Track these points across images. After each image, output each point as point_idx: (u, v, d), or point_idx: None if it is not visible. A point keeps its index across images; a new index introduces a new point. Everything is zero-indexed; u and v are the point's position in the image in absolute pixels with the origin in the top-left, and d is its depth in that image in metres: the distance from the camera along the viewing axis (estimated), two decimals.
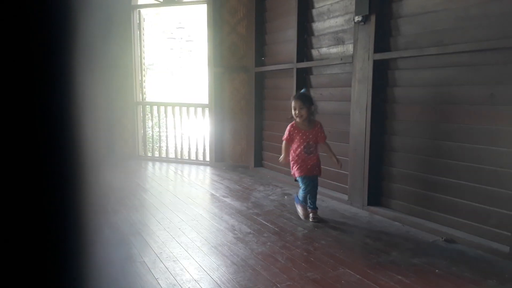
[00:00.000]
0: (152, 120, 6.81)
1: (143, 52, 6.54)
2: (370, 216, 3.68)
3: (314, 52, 4.66)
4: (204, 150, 6.30)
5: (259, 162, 5.78)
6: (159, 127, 6.82)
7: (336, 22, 4.33)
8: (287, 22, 5.05)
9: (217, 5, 5.84)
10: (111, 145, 6.70)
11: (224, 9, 5.85)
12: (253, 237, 3.18)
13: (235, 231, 3.31)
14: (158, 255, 2.87)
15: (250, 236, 3.20)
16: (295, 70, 4.79)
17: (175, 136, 6.53)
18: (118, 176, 5.44)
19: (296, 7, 4.77)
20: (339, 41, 4.30)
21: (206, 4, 5.94)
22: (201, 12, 6.26)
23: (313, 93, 4.67)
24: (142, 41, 6.48)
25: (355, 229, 3.38)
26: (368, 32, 3.76)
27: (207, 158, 6.26)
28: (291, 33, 4.90)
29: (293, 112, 3.55)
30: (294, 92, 4.79)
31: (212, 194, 4.59)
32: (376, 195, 3.81)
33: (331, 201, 4.19)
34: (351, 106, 3.98)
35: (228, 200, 4.28)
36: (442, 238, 3.09)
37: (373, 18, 3.71)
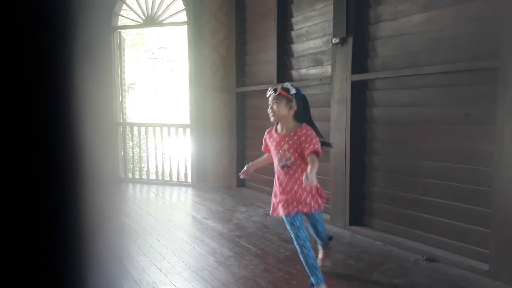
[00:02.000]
0: (132, 141, 6.74)
1: (124, 73, 6.51)
2: (352, 236, 3.68)
3: (294, 73, 4.71)
4: (186, 170, 6.25)
5: (241, 182, 5.76)
6: (140, 148, 6.76)
7: (315, 43, 4.40)
8: (267, 43, 5.11)
9: (198, 26, 5.88)
10: (93, 167, 6.59)
11: (205, 30, 5.89)
12: (234, 260, 3.14)
13: (216, 255, 3.26)
14: (138, 282, 2.80)
15: (231, 259, 3.16)
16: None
17: (156, 157, 6.47)
18: (97, 198, 5.35)
19: (275, 28, 4.83)
20: (318, 62, 4.36)
21: (187, 25, 5.97)
22: (182, 32, 6.29)
23: None
24: (122, 62, 6.45)
25: (337, 249, 3.37)
26: (346, 53, 3.83)
27: (189, 179, 6.21)
28: (271, 54, 4.95)
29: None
30: None
31: (193, 216, 4.53)
32: (358, 214, 3.82)
33: None
34: (330, 126, 4.01)
35: (209, 222, 4.23)
36: (423, 257, 3.10)
37: (350, 40, 3.78)
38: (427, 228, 3.23)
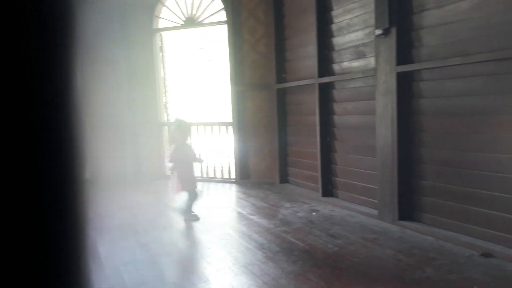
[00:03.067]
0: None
1: (166, 74, 6.68)
2: (402, 231, 3.61)
3: (336, 67, 4.66)
4: (229, 167, 6.33)
5: (284, 178, 5.77)
6: None
7: (356, 36, 4.33)
8: (306, 39, 5.08)
9: (237, 25, 5.93)
10: (138, 166, 6.82)
11: (243, 28, 5.93)
12: (283, 255, 3.16)
13: (265, 250, 3.30)
14: (189, 276, 2.88)
15: (279, 254, 3.18)
16: (317, 85, 4.80)
17: (200, 155, 6.59)
18: (146, 196, 5.52)
19: (315, 23, 4.80)
20: (360, 55, 4.29)
21: (226, 25, 6.03)
22: (221, 32, 6.36)
23: (337, 107, 4.67)
24: (164, 63, 6.62)
25: (386, 245, 3.32)
26: (390, 44, 3.75)
27: (232, 176, 6.29)
28: (312, 49, 4.92)
29: None
30: (317, 107, 4.80)
31: (239, 212, 4.59)
32: (407, 209, 3.74)
33: (360, 216, 4.13)
34: (376, 119, 3.95)
35: (255, 218, 4.27)
36: (478, 252, 3.00)
37: (393, 31, 3.70)
38: (481, 222, 3.12)
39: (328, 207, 4.51)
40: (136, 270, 3.03)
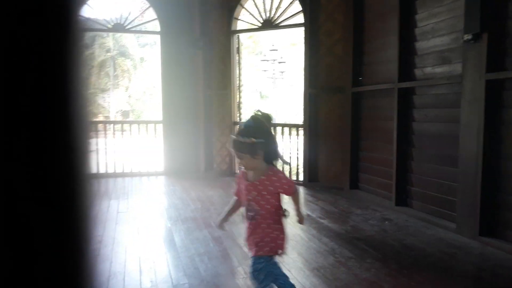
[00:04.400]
0: None
1: (241, 75, 6.84)
2: (483, 248, 3.41)
3: (417, 72, 4.50)
4: (298, 170, 6.34)
5: (354, 184, 5.67)
6: None
7: (442, 41, 4.15)
8: (387, 42, 4.95)
9: (314, 27, 5.92)
10: (210, 162, 7.05)
11: (320, 31, 5.91)
12: (355, 262, 3.11)
13: (336, 255, 3.27)
14: None
15: (352, 260, 3.14)
16: (396, 90, 4.67)
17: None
18: (217, 191, 5.69)
19: (397, 26, 4.66)
20: (445, 61, 4.11)
21: (303, 27, 6.05)
22: (295, 34, 6.40)
23: (417, 114, 4.50)
24: (240, 64, 6.78)
25: (466, 261, 3.15)
26: (480, 50, 3.55)
27: (300, 178, 6.29)
28: (392, 53, 4.79)
29: None
30: (395, 113, 4.66)
31: (308, 215, 4.59)
32: (490, 225, 3.52)
33: (437, 228, 3.96)
34: (460, 128, 3.76)
35: (325, 222, 4.25)
36: None
37: (485, 36, 3.50)
38: None
39: (401, 217, 4.37)
40: (211, 262, 3.14)
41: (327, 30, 5.88)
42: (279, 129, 6.57)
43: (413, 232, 3.84)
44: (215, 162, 6.98)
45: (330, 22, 5.86)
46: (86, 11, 6.58)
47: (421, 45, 4.45)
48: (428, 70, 4.34)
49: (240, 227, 4.08)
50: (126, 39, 25.34)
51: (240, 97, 6.83)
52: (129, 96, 29.68)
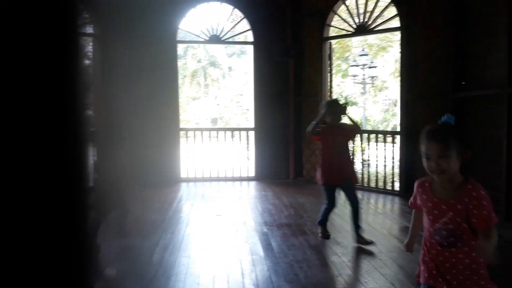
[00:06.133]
0: None
1: (332, 81, 6.78)
2: None
3: None
4: (393, 178, 6.11)
5: None
6: None
7: None
8: (493, 44, 4.60)
9: (411, 31, 5.69)
10: (299, 169, 7.08)
11: (418, 35, 5.66)
12: None
13: None
14: (364, 284, 2.88)
15: None
16: (506, 96, 4.31)
17: (362, 164, 6.53)
18: (308, 198, 5.69)
19: (506, 28, 4.32)
20: None
21: (400, 31, 5.85)
22: (385, 38, 6.19)
23: None
24: (331, 71, 6.73)
25: None
26: None
27: (396, 188, 6.05)
28: (500, 56, 4.43)
29: (424, 162, 1.75)
30: (505, 120, 4.31)
31: (407, 227, 4.40)
32: None
33: None
34: None
35: None
36: None
37: None
38: None
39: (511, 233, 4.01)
40: (310, 270, 3.15)
41: (425, 34, 5.61)
42: (372, 136, 6.39)
43: None
44: (304, 169, 6.99)
45: (429, 26, 5.59)
46: (185, 24, 7.01)
47: None
48: None
49: (336, 237, 4.04)
50: (215, 49, 26.46)
51: None
52: (218, 104, 30.88)
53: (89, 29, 9.00)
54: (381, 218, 4.90)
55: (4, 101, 0.43)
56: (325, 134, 3.85)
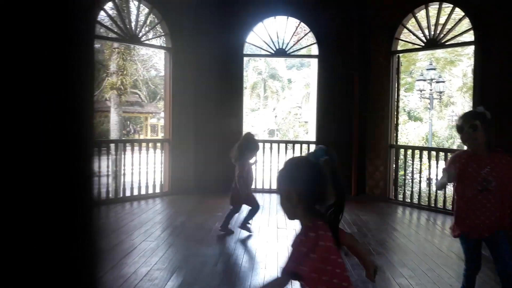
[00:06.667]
0: (405, 163, 6.73)
1: (399, 96, 6.60)
2: None
3: None
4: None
5: None
6: (404, 171, 6.66)
7: None
8: None
9: (487, 45, 5.41)
10: (361, 185, 6.90)
11: (495, 49, 5.37)
12: None
13: None
14: None
15: None
16: None
17: (428, 182, 6.26)
18: (372, 216, 5.54)
19: None
20: None
21: (473, 45, 5.59)
22: (455, 51, 5.93)
23: None
24: (398, 85, 6.56)
25: None
26: None
27: None
28: None
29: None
30: None
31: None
32: None
33: None
34: None
35: None
36: None
37: None
38: None
39: None
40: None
41: (504, 48, 5.30)
42: (433, 153, 6.12)
43: None
44: (367, 186, 6.81)
45: (505, 39, 5.28)
46: (252, 38, 7.16)
47: None
48: None
49: (401, 258, 3.90)
50: (276, 62, 26.73)
51: (397, 119, 6.58)
52: (276, 116, 31.05)
53: (160, 42, 9.46)
54: (449, 240, 4.66)
55: (4, 101, 0.43)
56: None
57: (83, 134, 0.52)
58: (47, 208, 0.46)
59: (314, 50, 7.83)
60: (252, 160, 4.73)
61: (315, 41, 7.03)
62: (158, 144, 6.97)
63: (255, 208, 4.65)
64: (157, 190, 6.64)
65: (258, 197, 6.78)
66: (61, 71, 0.48)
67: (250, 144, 4.56)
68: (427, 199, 6.52)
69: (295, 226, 4.81)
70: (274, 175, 7.30)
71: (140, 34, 6.34)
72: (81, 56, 0.54)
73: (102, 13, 5.65)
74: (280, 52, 7.10)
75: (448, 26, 5.96)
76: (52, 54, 0.46)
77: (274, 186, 7.18)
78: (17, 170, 0.44)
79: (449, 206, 5.98)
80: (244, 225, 4.63)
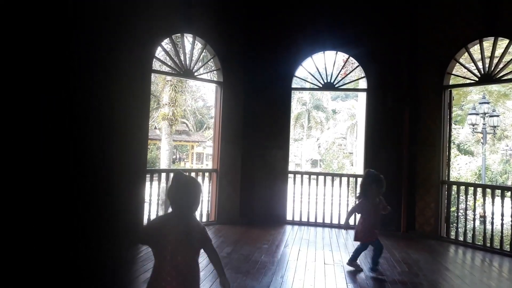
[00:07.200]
0: (458, 199, 6.48)
1: (451, 131, 6.43)
2: None
3: None
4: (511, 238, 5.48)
5: None
6: (457, 207, 6.40)
7: None
8: None
9: None
10: (411, 222, 6.68)
11: None
12: None
13: None
14: None
15: None
16: None
17: (483, 220, 5.98)
18: (423, 255, 5.33)
19: None
20: None
21: None
22: (509, 84, 5.74)
23: None
24: (450, 119, 6.41)
25: None
26: None
27: None
28: None
29: None
30: None
31: None
32: None
33: None
34: None
35: None
36: None
37: None
38: None
39: None
40: None
41: None
42: (488, 190, 5.86)
43: None
44: (417, 222, 6.59)
45: None
46: (300, 72, 7.29)
47: None
48: None
49: None
50: (321, 93, 26.81)
51: (449, 154, 6.39)
52: (319, 146, 30.87)
53: (211, 75, 9.82)
54: (508, 285, 4.40)
55: (4, 101, 0.47)
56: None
57: (137, 161, 0.58)
58: (47, 208, 0.53)
59: (362, 83, 7.85)
60: (375, 199, 4.64)
61: (363, 75, 7.05)
62: (207, 174, 7.13)
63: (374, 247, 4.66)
64: (204, 219, 6.75)
65: (306, 229, 6.75)
66: (61, 71, 0.54)
67: (368, 181, 4.60)
68: (481, 238, 6.23)
69: (342, 264, 4.77)
70: (320, 208, 7.23)
71: (194, 69, 6.62)
72: (138, 87, 0.59)
73: (159, 48, 5.97)
74: (328, 86, 7.16)
75: (504, 60, 5.82)
76: (52, 54, 0.53)
77: (323, 220, 7.16)
78: (17, 170, 0.52)
79: (506, 246, 5.66)
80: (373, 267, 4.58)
